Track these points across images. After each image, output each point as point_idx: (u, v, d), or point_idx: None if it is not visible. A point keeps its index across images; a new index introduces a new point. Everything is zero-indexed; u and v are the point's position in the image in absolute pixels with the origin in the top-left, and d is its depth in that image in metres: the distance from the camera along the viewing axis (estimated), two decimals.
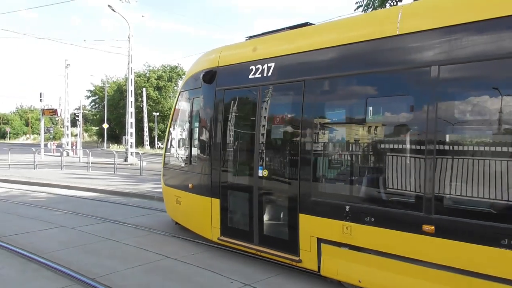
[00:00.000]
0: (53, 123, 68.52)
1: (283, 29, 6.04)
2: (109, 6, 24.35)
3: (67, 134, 35.83)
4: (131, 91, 25.54)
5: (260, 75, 5.75)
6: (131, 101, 25.42)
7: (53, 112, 38.87)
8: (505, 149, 3.72)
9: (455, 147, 4.02)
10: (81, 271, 5.32)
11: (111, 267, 5.61)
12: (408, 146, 4.34)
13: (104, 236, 7.31)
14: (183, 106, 7.62)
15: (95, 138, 64.21)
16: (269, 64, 5.64)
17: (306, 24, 5.84)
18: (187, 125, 7.37)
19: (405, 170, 4.29)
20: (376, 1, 10.36)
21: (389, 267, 4.31)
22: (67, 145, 34.22)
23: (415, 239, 4.02)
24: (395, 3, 10.24)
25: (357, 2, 10.66)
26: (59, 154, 22.65)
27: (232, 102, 6.29)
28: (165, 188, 7.96)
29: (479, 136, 4.06)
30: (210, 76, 6.49)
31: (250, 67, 5.89)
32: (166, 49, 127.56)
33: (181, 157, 7.60)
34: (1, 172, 18.36)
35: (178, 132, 7.79)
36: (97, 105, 63.71)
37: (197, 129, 6.89)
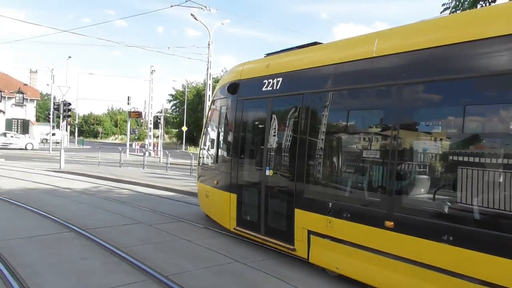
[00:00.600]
0: (138, 125, 73.36)
1: (293, 48, 6.89)
2: (191, 15, 25.57)
3: (150, 136, 38.15)
4: (209, 95, 26.50)
5: (270, 88, 6.67)
6: (209, 105, 26.35)
7: (138, 114, 41.63)
8: (451, 157, 4.46)
9: (412, 155, 4.82)
10: (155, 268, 5.57)
11: (183, 266, 5.82)
12: (373, 155, 5.17)
13: (177, 235, 7.62)
14: (214, 113, 8.62)
15: (174, 140, 67.59)
16: (278, 79, 6.55)
17: (314, 44, 6.55)
18: (215, 130, 8.42)
19: (372, 175, 5.22)
20: (466, 3, 9.63)
21: (360, 256, 4.98)
22: (149, 145, 36.41)
23: (379, 233, 4.68)
24: (487, 4, 9.44)
25: (444, 4, 10.01)
26: (142, 154, 24.17)
27: (249, 111, 7.27)
28: (198, 185, 9.17)
29: (430, 145, 4.79)
30: (234, 87, 7.48)
31: (264, 81, 6.81)
32: (243, 55, 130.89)
33: (210, 158, 8.65)
34: (91, 168, 20.12)
35: (209, 136, 8.89)
36: (177, 109, 67.07)
37: (222, 133, 7.95)
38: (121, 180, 15.78)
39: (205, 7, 23.62)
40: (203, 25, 26.46)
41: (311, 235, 5.67)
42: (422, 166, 4.87)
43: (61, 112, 20.50)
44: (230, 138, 7.59)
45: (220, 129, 8.12)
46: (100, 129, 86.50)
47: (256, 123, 7.28)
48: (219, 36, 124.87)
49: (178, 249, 6.77)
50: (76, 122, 70.76)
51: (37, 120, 58.88)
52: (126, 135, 45.22)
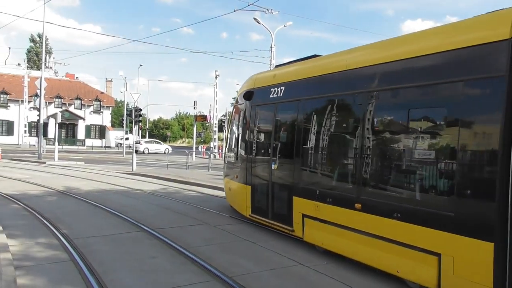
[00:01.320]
0: (204, 128, 75.73)
1: (296, 61, 8.14)
2: (254, 19, 25.99)
3: (215, 138, 39.19)
4: None
5: (276, 95, 7.88)
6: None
7: (204, 118, 42.91)
8: (403, 154, 5.48)
9: (374, 152, 5.78)
10: (220, 268, 5.67)
11: (247, 267, 5.86)
12: (344, 150, 6.63)
13: (241, 236, 7.71)
14: (235, 116, 10.12)
15: None
16: (281, 88, 7.76)
17: (314, 56, 7.68)
18: (236, 131, 9.85)
19: (343, 166, 6.61)
20: None
21: (339, 233, 6.12)
22: (214, 148, 37.40)
23: (351, 213, 5.76)
24: None
25: None
26: (207, 156, 24.89)
27: (260, 115, 8.60)
28: (224, 180, 10.81)
29: (388, 142, 5.81)
30: (249, 95, 8.79)
31: (271, 89, 8.00)
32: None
33: (232, 156, 9.98)
34: (160, 171, 21.09)
35: (231, 137, 10.54)
36: None
37: (241, 134, 9.33)
38: (188, 182, 16.34)
39: (268, 10, 23.80)
40: (265, 28, 26.77)
41: (304, 218, 6.87)
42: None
43: (133, 117, 21.67)
44: (246, 138, 8.92)
45: (239, 131, 9.53)
46: (168, 133, 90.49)
47: (266, 125, 8.58)
48: (281, 39, 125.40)
49: (242, 250, 6.84)
50: (147, 126, 74.66)
51: (112, 125, 63.05)
52: (192, 138, 46.86)
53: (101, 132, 58.26)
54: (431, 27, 5.84)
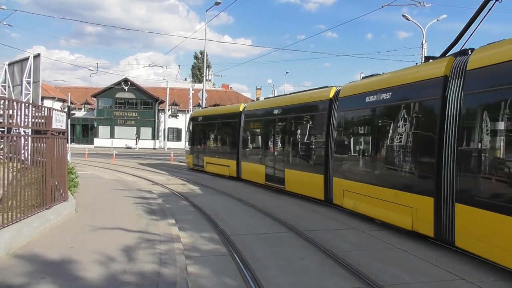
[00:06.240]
0: None
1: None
2: (403, 15, 24.64)
3: None
4: None
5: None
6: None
7: None
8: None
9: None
10: (370, 275, 5.51)
11: (400, 277, 5.56)
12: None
13: (391, 243, 7.36)
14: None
15: None
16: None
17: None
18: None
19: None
20: None
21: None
22: None
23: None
24: None
25: None
26: None
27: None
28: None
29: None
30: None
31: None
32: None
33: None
34: None
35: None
36: None
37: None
38: None
39: (418, 3, 22.17)
40: (415, 24, 25.08)
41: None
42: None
43: None
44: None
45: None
46: None
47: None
48: (432, 34, 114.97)
49: (393, 258, 6.53)
50: None
51: None
52: None
53: None
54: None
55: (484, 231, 5.87)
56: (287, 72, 77.41)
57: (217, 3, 30.30)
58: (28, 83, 9.55)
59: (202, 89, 33.98)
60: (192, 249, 6.75)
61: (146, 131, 52.35)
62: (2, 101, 6.26)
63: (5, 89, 10.38)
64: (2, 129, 6.46)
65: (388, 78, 8.92)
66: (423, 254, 6.69)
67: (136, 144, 49.22)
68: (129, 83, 51.09)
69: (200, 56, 73.37)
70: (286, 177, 13.24)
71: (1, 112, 6.16)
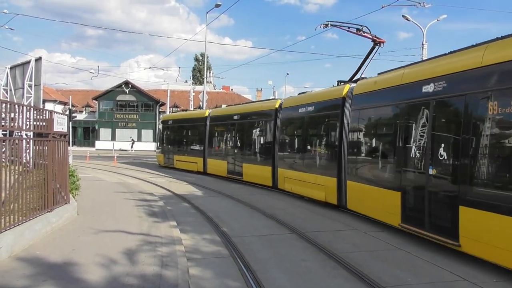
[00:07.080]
0: None
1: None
2: (403, 16, 24.63)
3: None
4: None
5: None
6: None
7: None
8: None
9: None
10: (372, 277, 5.48)
11: (402, 279, 5.55)
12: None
13: (393, 244, 7.34)
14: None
15: None
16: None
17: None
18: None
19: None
20: None
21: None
22: None
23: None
24: None
25: None
26: None
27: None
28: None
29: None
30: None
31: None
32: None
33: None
34: None
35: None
36: None
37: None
38: None
39: (418, 3, 22.11)
40: (415, 24, 25.04)
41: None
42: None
43: None
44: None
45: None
46: None
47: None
48: (432, 34, 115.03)
49: (395, 259, 6.51)
50: None
51: None
52: None
53: None
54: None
55: (361, 196, 9.40)
56: (287, 74, 77.30)
57: (218, 5, 30.27)
58: (30, 86, 9.59)
59: (203, 91, 34.01)
60: (194, 251, 6.75)
61: (147, 133, 52.45)
62: (4, 104, 6.27)
63: (7, 92, 10.42)
64: (4, 132, 6.47)
65: (313, 95, 13.25)
66: (425, 255, 6.67)
67: (132, 147, 49.03)
68: (130, 86, 51.17)
69: (200, 58, 73.41)
70: (244, 170, 16.91)
71: (3, 115, 6.17)
